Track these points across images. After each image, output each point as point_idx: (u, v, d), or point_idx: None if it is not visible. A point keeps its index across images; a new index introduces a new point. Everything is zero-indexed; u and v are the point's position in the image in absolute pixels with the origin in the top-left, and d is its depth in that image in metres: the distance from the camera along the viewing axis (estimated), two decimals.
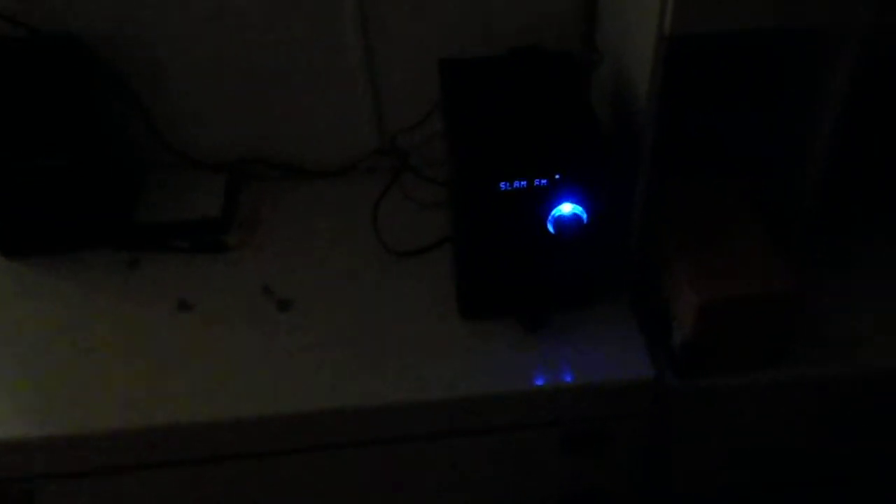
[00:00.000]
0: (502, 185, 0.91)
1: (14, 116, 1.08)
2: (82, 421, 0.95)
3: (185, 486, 1.04)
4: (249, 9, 1.15)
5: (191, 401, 0.97)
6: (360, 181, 1.30)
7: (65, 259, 1.16)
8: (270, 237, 1.20)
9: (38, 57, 1.09)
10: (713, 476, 1.20)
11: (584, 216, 0.94)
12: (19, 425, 0.95)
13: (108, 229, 1.18)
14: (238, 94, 1.24)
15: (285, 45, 1.19)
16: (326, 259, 1.16)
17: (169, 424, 0.95)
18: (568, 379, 0.98)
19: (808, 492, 1.24)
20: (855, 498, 1.27)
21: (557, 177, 0.91)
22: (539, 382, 0.98)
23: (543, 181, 0.92)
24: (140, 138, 1.26)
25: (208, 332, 1.05)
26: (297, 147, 1.31)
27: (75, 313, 1.08)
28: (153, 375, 1.00)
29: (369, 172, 1.31)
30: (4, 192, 1.11)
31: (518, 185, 0.92)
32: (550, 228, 0.95)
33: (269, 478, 1.05)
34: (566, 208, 0.94)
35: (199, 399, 0.97)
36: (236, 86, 1.23)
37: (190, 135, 1.28)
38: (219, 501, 1.07)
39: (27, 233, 1.16)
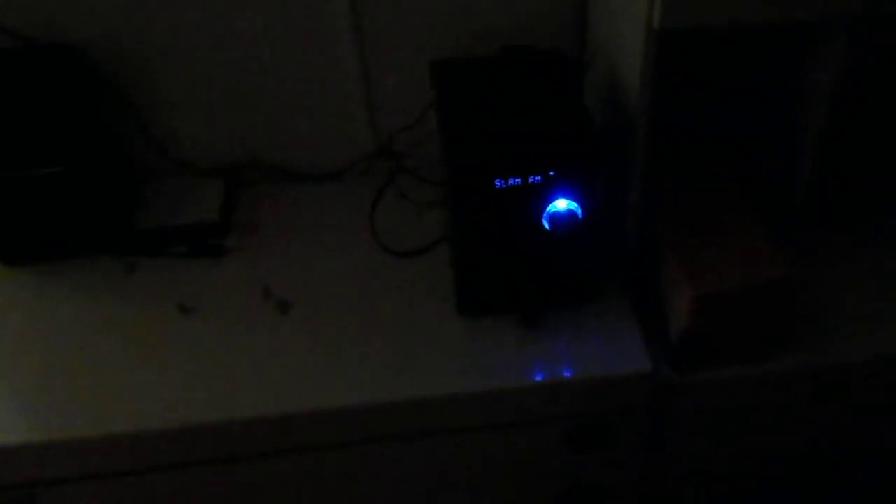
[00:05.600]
0: (497, 182, 0.92)
1: (11, 126, 1.08)
2: (83, 426, 0.96)
3: (188, 488, 1.05)
4: (242, 15, 1.16)
5: (192, 404, 0.97)
6: (356, 183, 1.30)
7: (64, 266, 1.17)
8: (269, 240, 1.21)
9: (35, 67, 1.10)
10: (712, 469, 1.20)
11: (579, 212, 0.95)
12: (21, 431, 0.95)
13: (107, 236, 1.18)
14: (233, 100, 1.25)
15: (279, 49, 1.20)
16: (325, 261, 1.17)
17: (170, 428, 0.96)
18: (566, 374, 0.99)
19: (809, 484, 1.25)
20: (858, 489, 1.27)
21: (551, 173, 0.92)
22: (538, 378, 0.99)
23: (538, 178, 0.92)
24: (137, 145, 1.27)
25: (209, 335, 1.06)
26: (293, 151, 1.31)
27: (75, 319, 1.09)
28: (154, 379, 1.00)
29: (365, 175, 1.32)
30: (3, 202, 1.12)
31: (513, 182, 0.92)
32: (546, 225, 0.96)
33: (271, 478, 1.05)
34: (561, 204, 0.94)
35: (200, 402, 0.97)
36: (231, 91, 1.24)
37: (186, 141, 1.28)
38: (218, 502, 1.07)
39: (26, 241, 1.17)
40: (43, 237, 1.17)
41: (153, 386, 0.99)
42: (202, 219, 1.21)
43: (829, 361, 1.05)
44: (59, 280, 1.15)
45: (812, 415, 1.14)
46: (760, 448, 1.18)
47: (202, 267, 1.17)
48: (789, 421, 1.14)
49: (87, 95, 1.17)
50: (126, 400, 0.98)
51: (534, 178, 0.93)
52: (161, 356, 1.03)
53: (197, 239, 1.19)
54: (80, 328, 1.08)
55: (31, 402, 0.99)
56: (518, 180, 0.92)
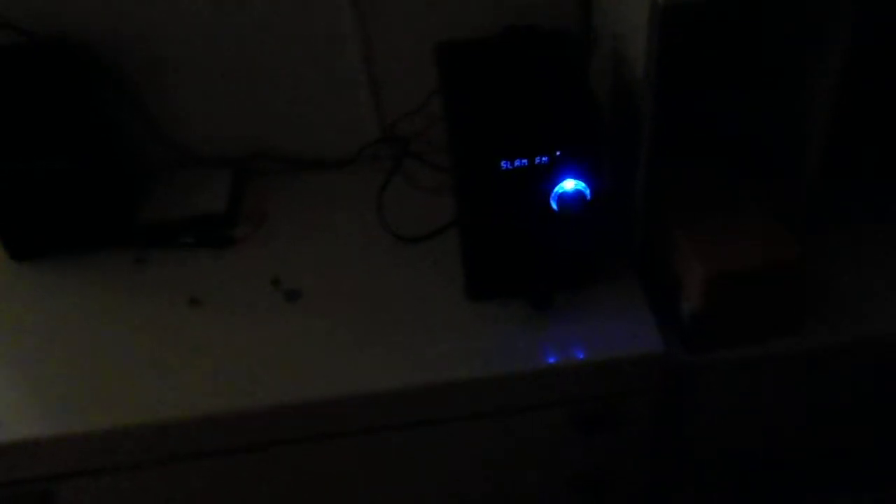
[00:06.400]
0: (503, 164, 0.92)
1: (14, 121, 1.08)
2: (97, 419, 0.96)
3: (203, 479, 1.05)
4: (246, 4, 1.16)
5: (204, 394, 0.97)
6: (363, 170, 1.30)
7: (73, 259, 1.17)
8: (276, 230, 1.21)
9: (37, 61, 1.10)
10: (724, 450, 1.19)
11: (587, 192, 0.94)
12: (35, 425, 0.96)
13: (115, 228, 1.18)
14: (238, 90, 1.25)
15: (283, 37, 1.20)
16: (333, 249, 1.16)
17: (183, 419, 0.96)
18: (578, 356, 0.98)
19: (820, 464, 1.24)
20: (871, 468, 1.26)
21: (558, 153, 0.91)
22: (549, 361, 0.98)
23: (544, 159, 0.92)
24: (143, 137, 1.27)
25: (219, 325, 1.06)
26: (299, 140, 1.31)
27: (85, 312, 1.09)
28: (166, 371, 1.00)
29: (372, 161, 1.32)
30: (8, 196, 1.12)
31: (519, 163, 0.92)
32: (554, 206, 0.95)
33: (283, 467, 1.05)
34: (569, 185, 0.94)
35: (212, 392, 0.97)
36: (236, 81, 1.24)
37: (193, 132, 1.28)
38: (235, 492, 1.07)
39: (34, 235, 1.17)
40: (51, 231, 1.17)
41: (164, 377, 0.99)
42: (210, 210, 1.21)
43: (841, 341, 1.04)
44: (69, 273, 1.15)
45: (823, 394, 1.12)
46: (772, 428, 1.17)
47: (211, 258, 1.17)
48: (800, 400, 1.13)
49: (90, 88, 1.18)
50: (138, 392, 0.98)
51: (540, 159, 0.92)
52: (171, 346, 1.03)
53: (205, 230, 1.19)
54: (91, 321, 1.08)
55: (42, 396, 0.99)
56: (524, 161, 0.92)
